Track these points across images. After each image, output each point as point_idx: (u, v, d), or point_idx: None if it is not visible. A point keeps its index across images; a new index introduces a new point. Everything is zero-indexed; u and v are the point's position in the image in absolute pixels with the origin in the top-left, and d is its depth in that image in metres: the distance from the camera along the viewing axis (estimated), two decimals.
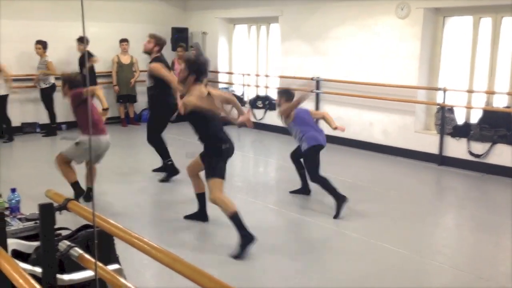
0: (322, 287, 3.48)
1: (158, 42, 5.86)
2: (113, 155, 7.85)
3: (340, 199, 4.72)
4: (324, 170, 6.71)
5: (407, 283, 3.58)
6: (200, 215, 4.55)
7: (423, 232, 4.56)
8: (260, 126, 9.12)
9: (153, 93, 5.93)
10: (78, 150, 4.87)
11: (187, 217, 4.58)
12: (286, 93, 5.21)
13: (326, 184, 4.81)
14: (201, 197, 4.51)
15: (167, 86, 5.70)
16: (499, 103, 6.57)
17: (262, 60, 9.73)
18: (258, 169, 7.34)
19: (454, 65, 7.10)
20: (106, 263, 2.09)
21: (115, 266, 2.18)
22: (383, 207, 5.04)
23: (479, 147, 6.50)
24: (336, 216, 4.67)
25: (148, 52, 5.89)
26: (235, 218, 3.87)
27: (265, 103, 9.43)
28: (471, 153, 6.55)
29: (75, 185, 4.91)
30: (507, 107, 6.42)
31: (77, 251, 1.94)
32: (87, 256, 1.91)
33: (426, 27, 6.96)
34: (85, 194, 4.93)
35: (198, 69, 4.09)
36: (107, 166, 5.83)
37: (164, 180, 5.87)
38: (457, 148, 6.70)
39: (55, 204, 1.97)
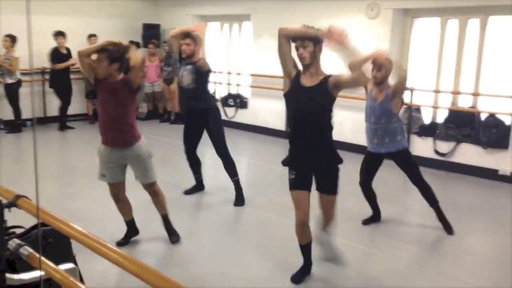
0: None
1: (198, 40, 5.03)
2: (86, 154, 7.72)
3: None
4: None
5: (369, 277, 3.62)
6: (309, 267, 3.62)
7: (386, 230, 4.61)
8: (231, 125, 9.09)
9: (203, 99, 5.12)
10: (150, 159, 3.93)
11: (296, 279, 3.54)
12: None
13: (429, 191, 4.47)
14: (310, 247, 3.55)
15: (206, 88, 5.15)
16: (464, 103, 6.72)
17: (234, 58, 9.70)
18: None
19: (422, 66, 7.23)
20: (59, 262, 2.03)
21: (68, 266, 2.13)
22: (347, 205, 5.08)
23: (444, 146, 6.63)
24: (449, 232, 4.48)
25: (189, 56, 4.97)
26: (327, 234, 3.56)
27: (237, 101, 9.41)
28: (437, 152, 6.68)
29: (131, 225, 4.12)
30: (472, 107, 6.57)
31: (27, 249, 1.88)
32: (37, 255, 1.85)
33: (395, 28, 7.06)
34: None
35: None
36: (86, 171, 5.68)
37: (189, 192, 5.48)
38: (423, 147, 6.82)
39: (4, 201, 1.91)
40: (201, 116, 5.10)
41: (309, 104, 3.20)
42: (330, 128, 3.30)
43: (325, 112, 3.24)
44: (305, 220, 3.34)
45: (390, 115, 4.26)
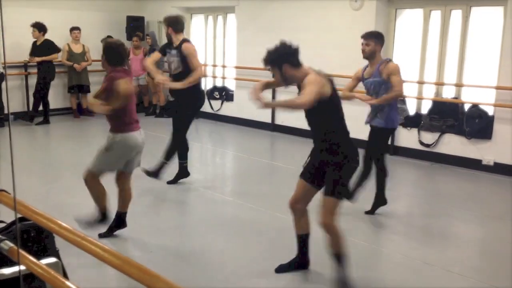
0: None
1: (172, 24, 5.19)
2: (77, 150, 7.63)
3: (380, 201, 4.58)
4: (281, 161, 6.73)
5: (356, 270, 3.64)
6: (301, 262, 3.55)
7: (373, 220, 4.64)
8: (216, 117, 9.07)
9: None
10: (111, 156, 3.80)
11: (280, 268, 3.55)
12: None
13: (382, 179, 4.49)
14: (305, 239, 3.50)
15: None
16: (448, 94, 6.77)
17: (219, 51, 9.65)
18: (215, 160, 7.30)
19: (406, 57, 7.26)
20: (42, 257, 2.01)
21: (50, 260, 2.10)
22: None
23: (429, 137, 6.69)
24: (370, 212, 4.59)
25: (169, 38, 5.25)
26: (341, 259, 3.20)
27: (222, 93, 9.38)
28: (422, 143, 6.74)
29: (104, 213, 3.91)
30: (455, 98, 6.63)
31: (7, 244, 1.85)
32: (20, 250, 1.82)
33: (379, 19, 7.08)
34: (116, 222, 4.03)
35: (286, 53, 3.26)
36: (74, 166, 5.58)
37: (173, 181, 5.42)
38: (408, 138, 6.87)
39: None
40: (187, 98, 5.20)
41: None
42: (332, 129, 3.23)
43: (319, 113, 3.16)
44: (292, 206, 3.40)
45: (385, 88, 4.28)
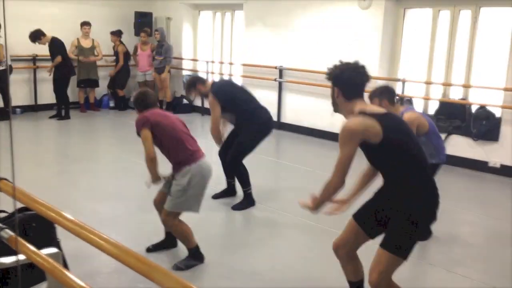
0: None
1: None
2: (84, 144, 7.66)
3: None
4: (288, 159, 6.70)
5: None
6: None
7: None
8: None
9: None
10: (189, 192, 3.45)
11: None
12: (389, 93, 3.85)
13: None
14: (356, 286, 2.88)
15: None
16: (455, 94, 6.72)
17: (226, 48, 9.65)
18: None
19: (414, 57, 7.22)
20: (43, 246, 2.02)
21: (51, 250, 2.11)
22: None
23: None
24: None
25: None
26: None
27: None
28: None
29: (196, 250, 3.58)
30: (463, 99, 6.58)
31: (8, 232, 1.86)
32: (18, 238, 1.83)
33: (387, 18, 7.04)
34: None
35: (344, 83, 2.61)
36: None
37: (240, 208, 4.76)
38: None
39: None
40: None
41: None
42: (396, 173, 2.58)
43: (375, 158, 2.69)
44: (335, 250, 2.81)
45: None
